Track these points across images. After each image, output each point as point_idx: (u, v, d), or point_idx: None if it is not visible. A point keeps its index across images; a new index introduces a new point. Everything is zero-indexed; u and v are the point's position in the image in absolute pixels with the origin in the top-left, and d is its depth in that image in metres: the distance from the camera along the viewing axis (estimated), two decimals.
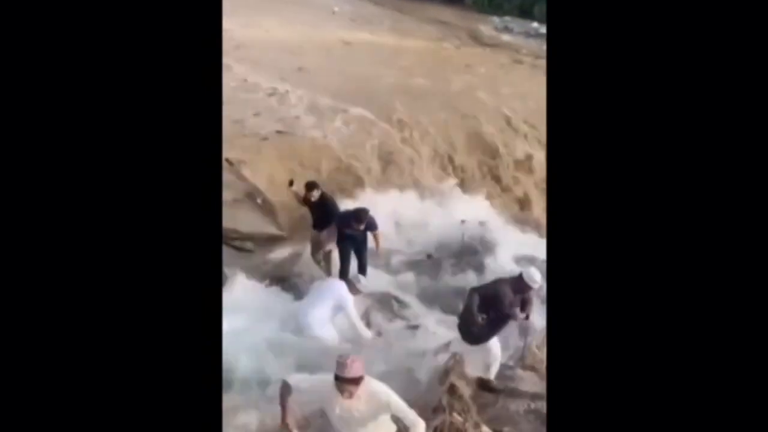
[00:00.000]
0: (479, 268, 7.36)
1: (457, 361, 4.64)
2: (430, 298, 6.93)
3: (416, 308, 6.74)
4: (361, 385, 3.14)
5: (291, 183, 7.08)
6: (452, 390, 4.23)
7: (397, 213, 8.20)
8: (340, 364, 3.10)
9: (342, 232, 6.68)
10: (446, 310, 6.53)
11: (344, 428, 3.28)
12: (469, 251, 7.75)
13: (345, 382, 3.10)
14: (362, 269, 6.85)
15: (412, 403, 4.14)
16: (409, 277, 7.37)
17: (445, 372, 4.52)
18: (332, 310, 5.75)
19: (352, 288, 5.96)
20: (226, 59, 10.60)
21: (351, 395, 3.14)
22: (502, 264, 7.36)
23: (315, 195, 6.80)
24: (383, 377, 4.83)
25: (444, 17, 17.55)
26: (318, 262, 7.07)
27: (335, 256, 6.93)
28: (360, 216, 6.64)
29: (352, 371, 3.09)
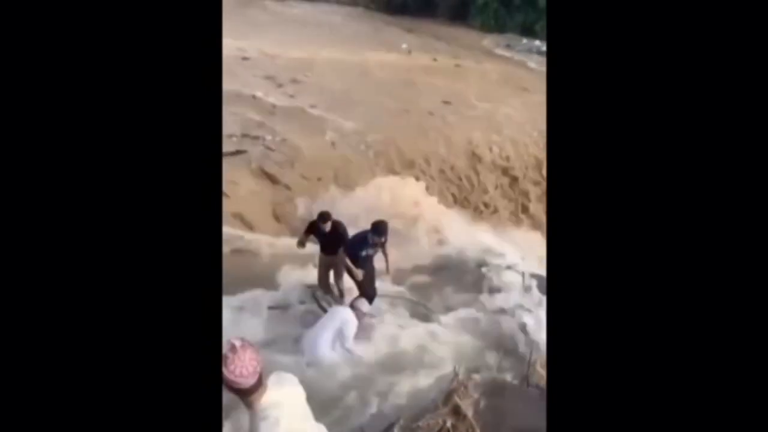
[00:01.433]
0: None
1: (460, 381, 4.60)
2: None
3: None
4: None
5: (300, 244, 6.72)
6: (456, 411, 4.18)
7: None
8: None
9: (356, 255, 6.14)
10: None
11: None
12: None
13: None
14: (372, 294, 6.39)
15: (416, 424, 4.15)
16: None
17: (449, 393, 4.47)
18: (334, 335, 5.62)
19: (358, 312, 5.86)
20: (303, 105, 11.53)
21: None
22: None
23: (327, 226, 6.35)
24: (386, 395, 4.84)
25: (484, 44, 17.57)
26: (324, 286, 6.79)
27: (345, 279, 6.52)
28: (380, 229, 6.02)
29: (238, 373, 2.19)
